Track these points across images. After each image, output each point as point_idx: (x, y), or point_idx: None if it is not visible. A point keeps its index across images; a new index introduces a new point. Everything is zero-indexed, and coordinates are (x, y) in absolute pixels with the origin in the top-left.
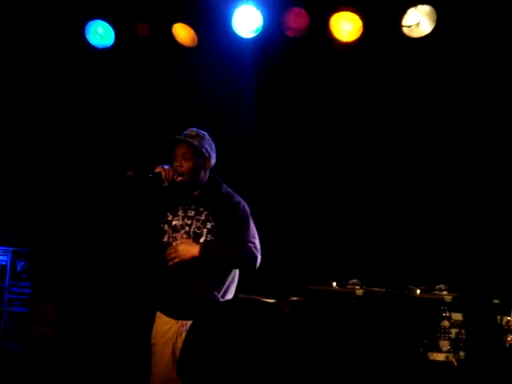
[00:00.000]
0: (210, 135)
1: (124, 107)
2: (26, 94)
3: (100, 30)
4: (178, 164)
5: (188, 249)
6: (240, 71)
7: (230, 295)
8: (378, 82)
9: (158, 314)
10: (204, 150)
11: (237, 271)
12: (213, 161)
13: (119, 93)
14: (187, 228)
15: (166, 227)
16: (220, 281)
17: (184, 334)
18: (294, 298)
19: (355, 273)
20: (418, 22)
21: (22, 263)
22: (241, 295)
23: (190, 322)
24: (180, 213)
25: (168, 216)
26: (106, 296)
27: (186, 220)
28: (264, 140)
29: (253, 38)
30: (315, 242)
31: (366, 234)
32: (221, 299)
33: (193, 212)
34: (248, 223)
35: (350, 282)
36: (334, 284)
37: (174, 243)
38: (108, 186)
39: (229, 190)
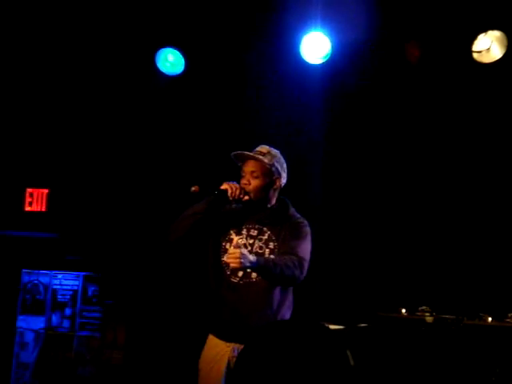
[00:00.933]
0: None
1: (193, 131)
2: (98, 121)
3: (170, 58)
4: (245, 182)
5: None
6: (308, 96)
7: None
8: (449, 106)
9: (210, 337)
10: (274, 169)
11: (291, 297)
12: (283, 181)
13: (189, 118)
14: (249, 248)
15: (227, 246)
16: (276, 305)
17: (235, 361)
18: (363, 325)
19: (425, 300)
20: (489, 47)
21: (92, 288)
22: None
23: (241, 347)
24: (244, 232)
25: (231, 234)
26: (170, 319)
27: (248, 239)
28: (332, 164)
29: (321, 63)
30: (385, 269)
31: (437, 261)
32: None
33: (256, 232)
34: (303, 240)
35: (420, 308)
36: (404, 311)
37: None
38: (173, 201)
39: (296, 213)
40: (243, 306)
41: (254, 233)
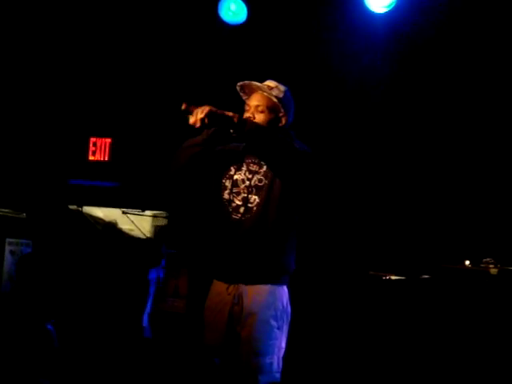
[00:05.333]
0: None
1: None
2: (162, 71)
3: (233, 7)
4: (250, 116)
5: None
6: (372, 46)
7: (290, 257)
8: None
9: (213, 282)
10: (281, 105)
11: (295, 238)
12: (290, 119)
13: (251, 67)
14: (248, 182)
15: (227, 182)
16: (278, 242)
17: (236, 308)
18: (426, 276)
19: (489, 251)
20: None
21: None
22: (371, 272)
23: (244, 290)
24: (243, 167)
25: (231, 170)
26: None
27: (247, 174)
28: (392, 116)
29: (385, 12)
30: (449, 220)
31: (502, 212)
32: (280, 261)
33: (256, 166)
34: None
35: (484, 260)
36: (468, 262)
37: (236, 200)
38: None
39: (302, 145)
40: (245, 243)
41: (253, 167)
